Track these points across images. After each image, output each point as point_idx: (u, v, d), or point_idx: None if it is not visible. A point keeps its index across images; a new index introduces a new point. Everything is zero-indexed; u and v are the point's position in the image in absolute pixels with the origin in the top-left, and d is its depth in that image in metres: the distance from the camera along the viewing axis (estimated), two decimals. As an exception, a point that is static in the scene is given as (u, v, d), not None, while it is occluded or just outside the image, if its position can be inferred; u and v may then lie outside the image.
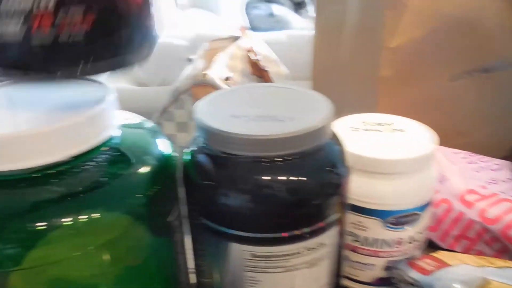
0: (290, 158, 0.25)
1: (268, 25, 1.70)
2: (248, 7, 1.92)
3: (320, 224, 0.26)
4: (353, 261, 0.37)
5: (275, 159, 0.25)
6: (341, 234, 0.29)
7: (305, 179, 0.26)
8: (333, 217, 0.27)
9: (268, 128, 0.25)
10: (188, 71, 0.51)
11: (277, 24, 1.74)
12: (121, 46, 0.23)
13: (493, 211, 0.37)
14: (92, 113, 0.23)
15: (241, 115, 0.27)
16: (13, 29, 0.19)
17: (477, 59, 0.47)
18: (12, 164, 0.21)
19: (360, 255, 0.37)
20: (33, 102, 0.25)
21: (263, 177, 0.25)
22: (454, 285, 0.28)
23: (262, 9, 1.82)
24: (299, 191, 0.26)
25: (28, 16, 0.19)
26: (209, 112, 0.27)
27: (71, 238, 0.22)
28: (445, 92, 0.47)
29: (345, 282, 0.39)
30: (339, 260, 0.30)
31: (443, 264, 0.31)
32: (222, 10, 1.90)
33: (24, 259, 0.21)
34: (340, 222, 0.28)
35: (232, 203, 0.26)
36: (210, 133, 0.26)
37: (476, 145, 0.48)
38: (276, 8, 1.84)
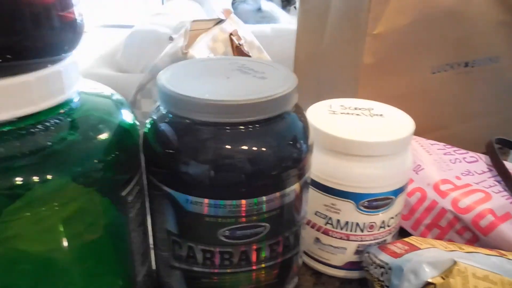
0: (251, 126, 0.25)
1: (255, 20, 1.69)
2: (235, 1, 1.91)
3: (277, 194, 0.26)
4: (325, 244, 0.37)
5: (237, 126, 0.25)
6: (297, 209, 0.28)
7: (264, 149, 0.25)
8: (290, 189, 0.27)
9: (230, 94, 0.25)
10: (168, 49, 0.50)
11: (264, 19, 1.73)
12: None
13: (466, 201, 0.38)
14: (42, 73, 0.22)
15: (204, 83, 0.27)
16: None
17: (459, 52, 0.48)
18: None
19: (332, 238, 0.36)
20: None
21: (224, 146, 0.25)
22: (423, 265, 0.28)
23: (250, 4, 1.81)
24: (257, 161, 0.25)
25: None
26: (172, 80, 0.26)
27: (20, 201, 0.21)
28: (427, 83, 0.47)
29: (316, 265, 0.39)
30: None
31: (413, 248, 0.31)
32: (209, 2, 1.88)
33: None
34: (297, 196, 0.28)
35: (192, 171, 0.25)
36: (172, 99, 0.25)
37: (455, 139, 0.48)
38: (264, 4, 1.83)
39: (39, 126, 0.22)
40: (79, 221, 0.24)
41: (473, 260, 0.28)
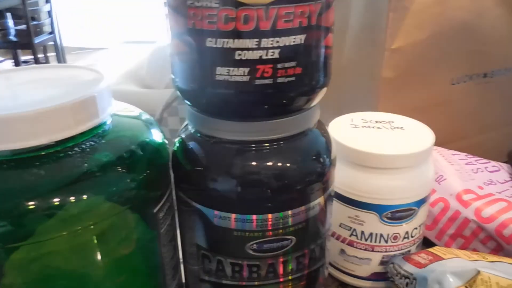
0: (275, 143, 0.26)
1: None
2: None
3: (302, 208, 0.27)
4: (350, 256, 0.38)
5: (262, 144, 0.26)
6: (322, 221, 0.29)
7: (288, 165, 0.26)
8: (314, 203, 0.28)
9: None
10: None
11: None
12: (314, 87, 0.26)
13: (488, 210, 0.38)
14: (78, 100, 0.23)
15: None
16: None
17: (478, 63, 0.48)
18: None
19: (356, 249, 0.37)
20: (30, 87, 0.26)
21: (250, 162, 0.26)
22: (447, 275, 0.28)
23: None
24: (282, 176, 0.26)
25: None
26: None
27: (56, 220, 0.22)
28: (447, 95, 0.48)
29: (342, 276, 0.39)
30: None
31: (437, 258, 0.32)
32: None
33: (18, 250, 0.22)
34: (321, 209, 0.29)
35: (220, 188, 0.26)
36: (200, 119, 0.27)
37: (476, 149, 0.48)
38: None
39: (76, 149, 0.24)
40: (113, 238, 0.25)
41: (497, 270, 0.28)
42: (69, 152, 0.24)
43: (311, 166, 0.28)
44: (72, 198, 0.22)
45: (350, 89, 0.48)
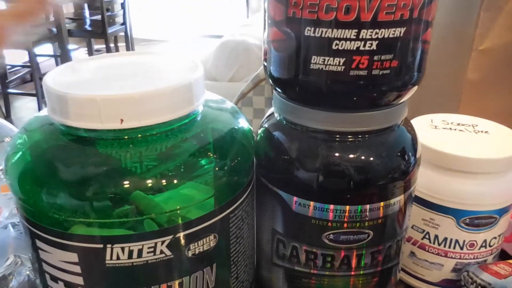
0: (360, 136, 0.26)
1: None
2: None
3: (381, 204, 0.27)
4: (420, 259, 0.37)
5: (346, 136, 0.26)
6: (400, 220, 0.29)
7: (371, 159, 0.26)
8: (394, 200, 0.27)
9: None
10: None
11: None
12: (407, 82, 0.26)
13: None
14: (177, 85, 0.24)
15: None
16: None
17: None
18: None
19: (428, 253, 0.36)
20: (126, 71, 0.27)
21: (333, 153, 0.26)
22: (532, 288, 0.27)
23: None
24: (364, 170, 0.26)
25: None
26: None
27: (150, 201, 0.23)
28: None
29: (410, 280, 0.38)
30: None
31: (519, 270, 0.30)
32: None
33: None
34: (400, 208, 0.28)
35: (302, 175, 0.27)
36: (288, 107, 0.27)
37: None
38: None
39: (170, 133, 0.25)
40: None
41: None
42: (167, 135, 0.25)
43: (395, 162, 0.27)
44: (168, 181, 0.23)
45: (430, 89, 0.47)
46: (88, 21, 2.72)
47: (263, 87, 0.50)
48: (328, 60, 0.24)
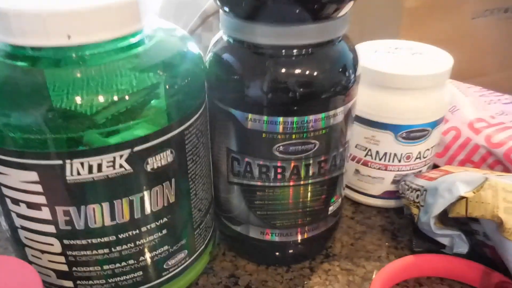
0: (304, 51, 0.28)
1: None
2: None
3: (323, 115, 0.29)
4: (364, 175, 0.40)
5: (291, 50, 0.28)
6: (342, 131, 0.32)
7: (315, 73, 0.28)
8: (336, 111, 0.30)
9: None
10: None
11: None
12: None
13: (499, 136, 0.40)
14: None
15: None
16: None
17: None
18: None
19: (370, 168, 0.40)
20: None
21: (280, 68, 0.28)
22: (457, 183, 0.31)
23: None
24: (309, 84, 0.28)
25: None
26: None
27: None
28: (467, 29, 0.48)
29: (355, 195, 0.42)
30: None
31: (448, 172, 0.34)
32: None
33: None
34: (342, 120, 0.31)
35: (253, 92, 0.29)
36: (234, 24, 0.28)
37: (494, 86, 0.49)
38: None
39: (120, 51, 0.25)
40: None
41: (505, 178, 0.30)
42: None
43: (337, 76, 0.29)
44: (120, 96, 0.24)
45: (372, 18, 0.49)
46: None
47: (211, 23, 0.51)
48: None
